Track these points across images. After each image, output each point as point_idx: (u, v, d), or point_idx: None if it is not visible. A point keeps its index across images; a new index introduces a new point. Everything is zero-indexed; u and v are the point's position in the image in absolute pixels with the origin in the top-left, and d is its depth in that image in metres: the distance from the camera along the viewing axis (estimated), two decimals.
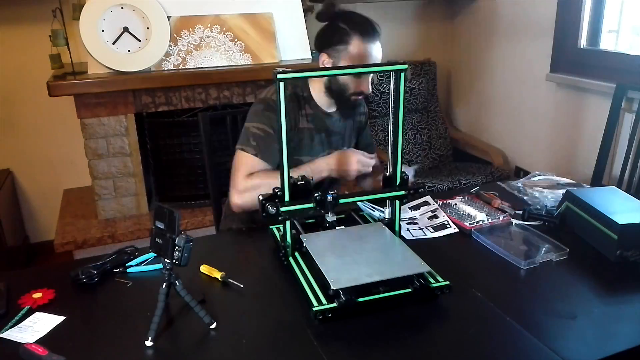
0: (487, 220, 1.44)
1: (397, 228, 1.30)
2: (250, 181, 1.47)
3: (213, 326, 1.03)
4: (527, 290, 1.18)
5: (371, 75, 1.57)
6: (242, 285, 1.17)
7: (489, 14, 3.10)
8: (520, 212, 1.48)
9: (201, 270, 1.23)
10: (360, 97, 1.58)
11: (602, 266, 1.25)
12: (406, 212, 1.52)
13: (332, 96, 1.59)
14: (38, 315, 1.09)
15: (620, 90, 2.23)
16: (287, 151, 1.16)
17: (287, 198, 1.18)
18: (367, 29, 1.53)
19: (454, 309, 1.10)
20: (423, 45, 3.41)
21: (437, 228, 1.43)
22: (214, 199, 1.86)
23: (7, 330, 1.03)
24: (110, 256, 1.27)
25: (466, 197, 1.60)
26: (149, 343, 0.98)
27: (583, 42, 2.57)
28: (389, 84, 1.20)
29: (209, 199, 1.90)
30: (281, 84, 1.11)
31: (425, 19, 3.38)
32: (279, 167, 1.47)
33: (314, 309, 1.03)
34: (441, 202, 1.56)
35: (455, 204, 1.55)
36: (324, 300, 1.05)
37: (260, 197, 1.18)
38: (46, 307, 1.11)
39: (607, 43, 2.55)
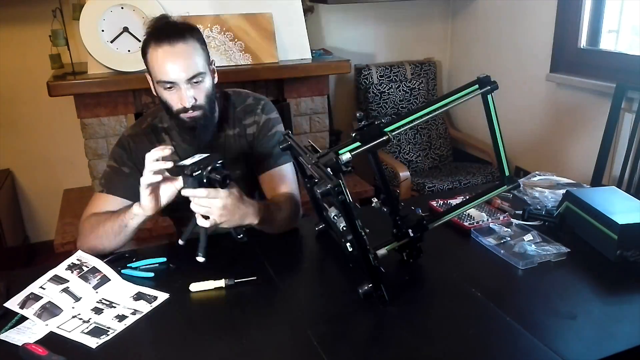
0: (487, 220, 1.44)
1: None
2: (88, 221, 1.33)
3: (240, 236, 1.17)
4: (527, 290, 1.19)
5: (185, 84, 1.26)
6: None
7: (489, 14, 3.10)
8: (520, 212, 1.48)
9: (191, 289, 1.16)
10: (191, 113, 1.28)
11: (602, 266, 1.25)
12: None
13: (173, 118, 1.32)
14: None
15: (620, 90, 2.23)
16: None
17: None
18: (159, 28, 1.24)
19: (454, 309, 1.10)
20: (423, 45, 3.41)
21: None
22: None
23: (6, 331, 1.03)
24: (110, 257, 1.28)
25: (466, 197, 1.59)
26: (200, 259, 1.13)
27: (583, 42, 2.57)
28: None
29: None
30: None
31: (425, 19, 3.38)
32: (132, 200, 1.28)
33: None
34: (442, 202, 1.56)
35: (456, 204, 1.55)
36: None
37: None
38: None
39: (607, 43, 2.55)
